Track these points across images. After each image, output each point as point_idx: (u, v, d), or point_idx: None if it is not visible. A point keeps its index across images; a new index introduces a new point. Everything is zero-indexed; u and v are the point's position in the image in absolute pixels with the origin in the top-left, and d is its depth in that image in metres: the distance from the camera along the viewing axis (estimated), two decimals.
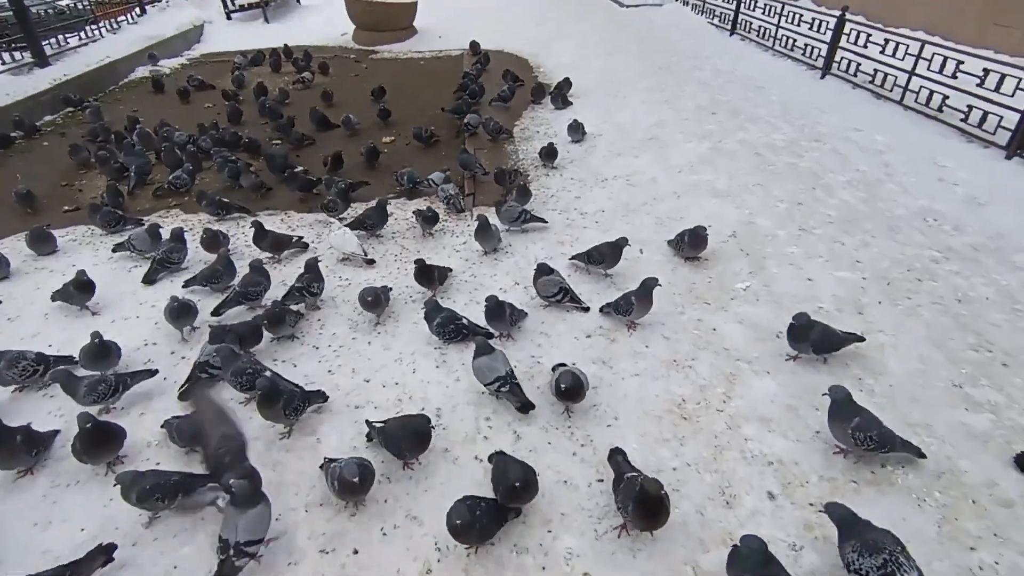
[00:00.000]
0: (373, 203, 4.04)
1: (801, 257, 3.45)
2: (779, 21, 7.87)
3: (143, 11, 9.87)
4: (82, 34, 8.41)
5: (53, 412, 2.62)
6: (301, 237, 3.89)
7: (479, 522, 1.85)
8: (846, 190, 4.23)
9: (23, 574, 1.85)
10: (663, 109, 6.01)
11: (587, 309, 3.11)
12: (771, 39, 8.04)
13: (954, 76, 5.13)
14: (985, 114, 4.79)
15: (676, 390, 2.55)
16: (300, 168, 4.75)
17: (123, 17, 9.33)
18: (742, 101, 6.15)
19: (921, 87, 5.48)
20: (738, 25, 8.91)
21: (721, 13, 9.46)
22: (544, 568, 1.89)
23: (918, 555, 1.71)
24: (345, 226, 3.79)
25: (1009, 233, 3.63)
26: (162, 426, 2.41)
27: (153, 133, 5.57)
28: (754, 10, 8.68)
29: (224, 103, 6.63)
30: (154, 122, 5.93)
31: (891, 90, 5.86)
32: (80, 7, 9.10)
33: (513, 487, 1.91)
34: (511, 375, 2.51)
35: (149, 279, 3.55)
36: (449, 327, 2.87)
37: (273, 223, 4.17)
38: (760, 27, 8.43)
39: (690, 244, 3.42)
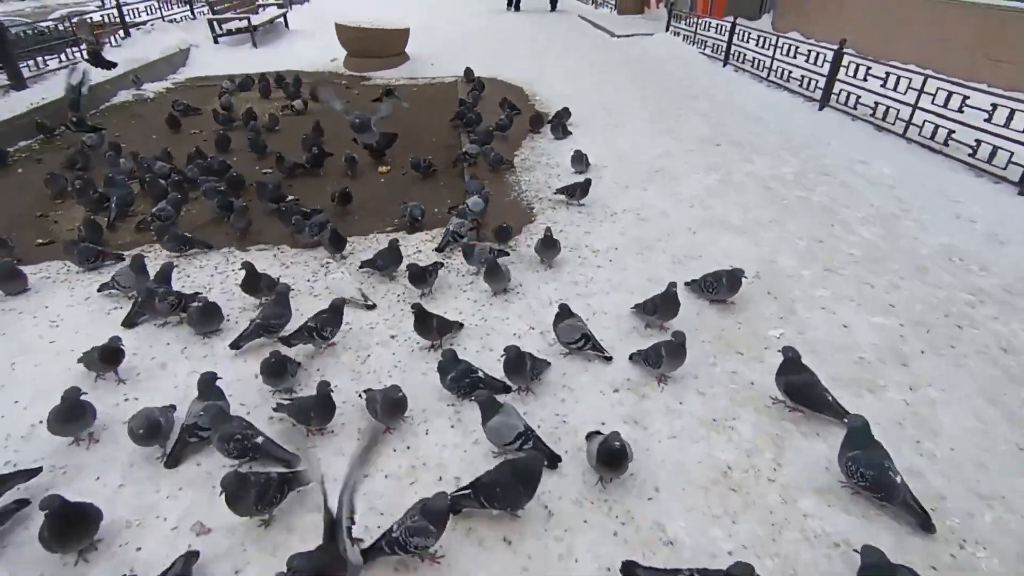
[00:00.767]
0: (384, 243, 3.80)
1: (831, 300, 3.27)
2: (774, 53, 7.89)
3: (127, 34, 9.62)
4: (63, 56, 8.12)
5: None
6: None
7: None
8: (864, 227, 4.10)
9: None
10: (666, 139, 5.90)
11: (610, 359, 2.88)
12: (765, 70, 8.05)
13: (960, 110, 5.08)
14: (995, 149, 4.73)
15: (719, 455, 2.32)
16: (292, 198, 4.50)
17: (106, 40, 9.06)
18: (744, 132, 6.07)
19: (925, 121, 5.43)
20: (731, 56, 8.94)
21: (713, 44, 9.49)
22: None
23: None
24: (351, 266, 3.54)
25: None
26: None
27: (133, 160, 5.30)
28: (747, 41, 8.71)
29: (216, 126, 6.40)
30: (139, 148, 5.66)
31: (893, 123, 5.82)
32: (61, 28, 8.83)
33: None
34: (530, 428, 2.29)
35: (129, 322, 3.25)
36: (464, 381, 2.62)
37: (266, 259, 3.90)
38: (754, 58, 8.46)
39: (728, 287, 3.18)
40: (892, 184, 4.77)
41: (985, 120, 4.82)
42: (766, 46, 8.12)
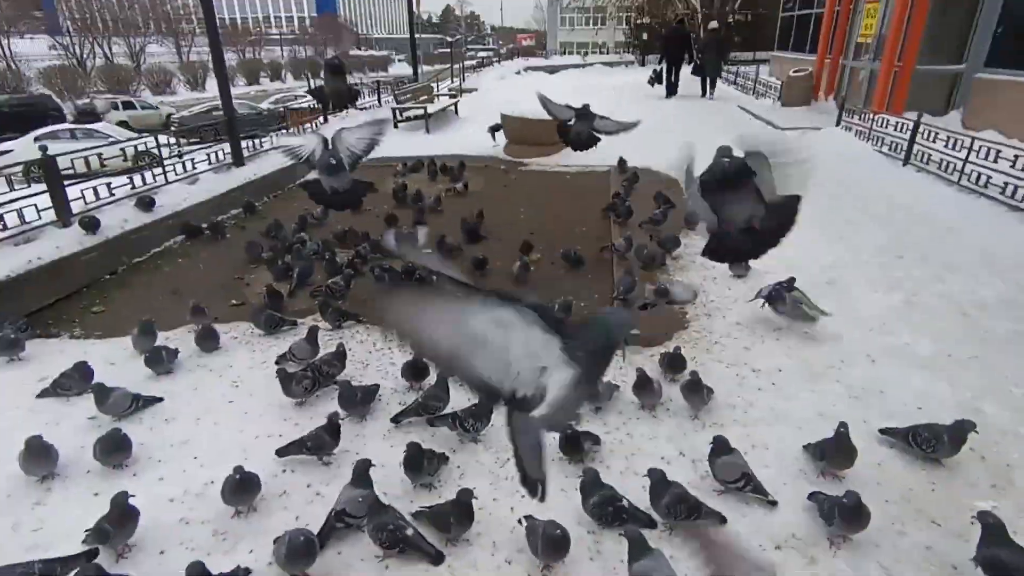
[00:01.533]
0: None
1: None
2: (967, 155, 7.10)
3: (326, 120, 11.12)
4: (274, 137, 9.53)
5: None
6: None
7: None
8: None
9: None
10: (837, 247, 5.45)
11: (775, 503, 2.55)
12: (956, 173, 7.25)
13: None
14: None
15: None
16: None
17: (309, 125, 10.53)
18: (931, 244, 5.42)
19: None
20: (912, 155, 8.20)
21: (891, 142, 8.80)
22: None
23: None
24: None
25: None
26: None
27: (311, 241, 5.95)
28: (934, 141, 7.96)
29: (390, 204, 7.09)
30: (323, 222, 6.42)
31: None
32: (277, 113, 10.44)
33: None
34: None
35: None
36: (608, 509, 2.45)
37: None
38: (941, 159, 7.67)
39: (951, 445, 2.67)
40: None
41: None
42: (957, 147, 7.34)
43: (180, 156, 7.64)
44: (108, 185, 6.02)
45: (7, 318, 4.08)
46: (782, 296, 4.01)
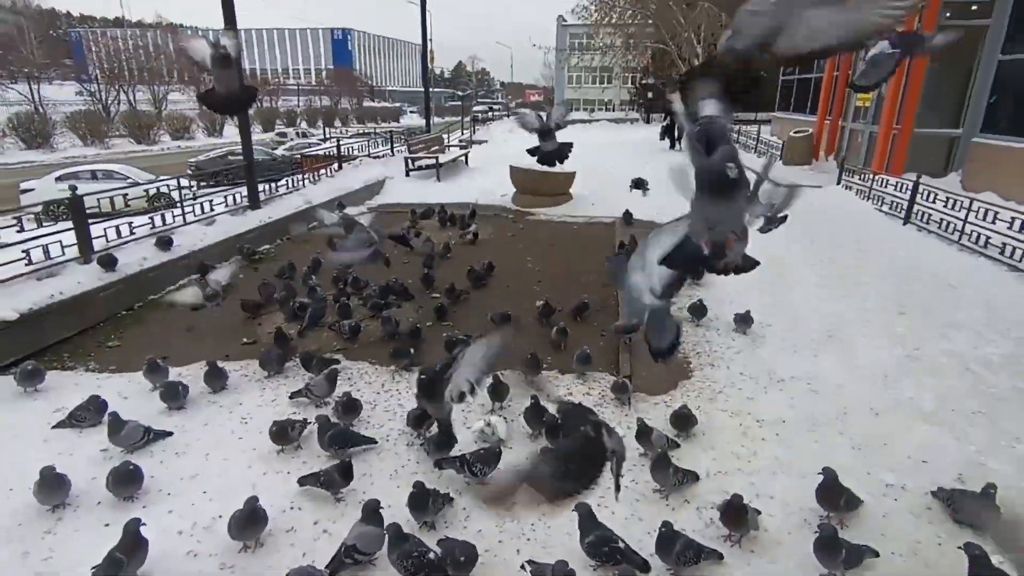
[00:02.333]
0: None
1: None
2: (966, 216, 7.28)
3: (340, 167, 11.47)
4: (290, 182, 9.83)
5: None
6: None
7: None
8: None
9: None
10: (840, 301, 5.53)
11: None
12: (956, 232, 7.41)
13: None
14: None
15: None
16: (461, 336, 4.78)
17: (324, 171, 10.86)
18: (934, 301, 5.51)
19: None
20: (913, 214, 8.39)
21: (892, 201, 9.02)
22: None
23: None
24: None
25: None
26: None
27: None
28: (933, 201, 8.15)
29: (399, 250, 7.21)
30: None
31: None
32: (293, 159, 10.78)
33: None
34: None
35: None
36: (603, 549, 2.47)
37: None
38: (941, 219, 7.84)
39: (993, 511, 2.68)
40: None
41: None
42: (957, 208, 7.53)
43: (195, 198, 7.84)
44: (130, 224, 6.21)
45: None
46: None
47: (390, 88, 79.77)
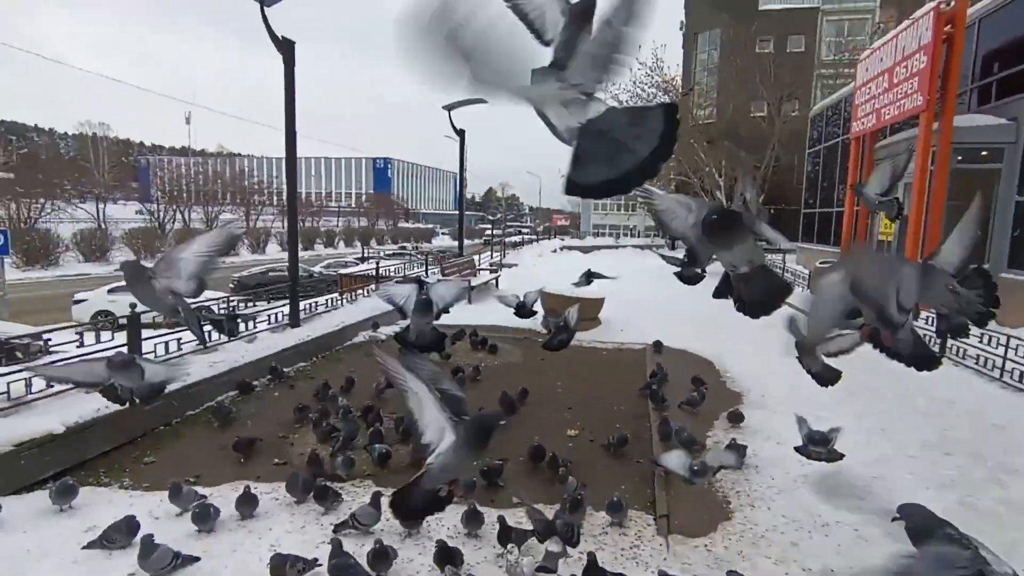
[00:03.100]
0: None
1: None
2: (1006, 352, 7.16)
3: (377, 288, 11.96)
4: (328, 301, 10.25)
5: None
6: None
7: None
8: None
9: None
10: (880, 441, 5.37)
11: None
12: (996, 369, 7.25)
13: None
14: None
15: None
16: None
17: (361, 291, 11.33)
18: (983, 443, 5.30)
19: None
20: (947, 349, 8.27)
21: (924, 334, 8.92)
22: None
23: None
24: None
25: None
26: None
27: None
28: (967, 336, 8.06)
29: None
30: (369, 383, 6.65)
31: None
32: (330, 277, 11.29)
33: None
34: None
35: None
36: None
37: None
38: (978, 354, 7.71)
39: None
40: None
41: None
42: (994, 344, 7.43)
43: (235, 318, 8.12)
44: (178, 341, 6.50)
45: None
46: None
47: (424, 211, 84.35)
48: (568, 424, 5.95)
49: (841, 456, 3.75)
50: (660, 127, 1.62)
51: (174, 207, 41.37)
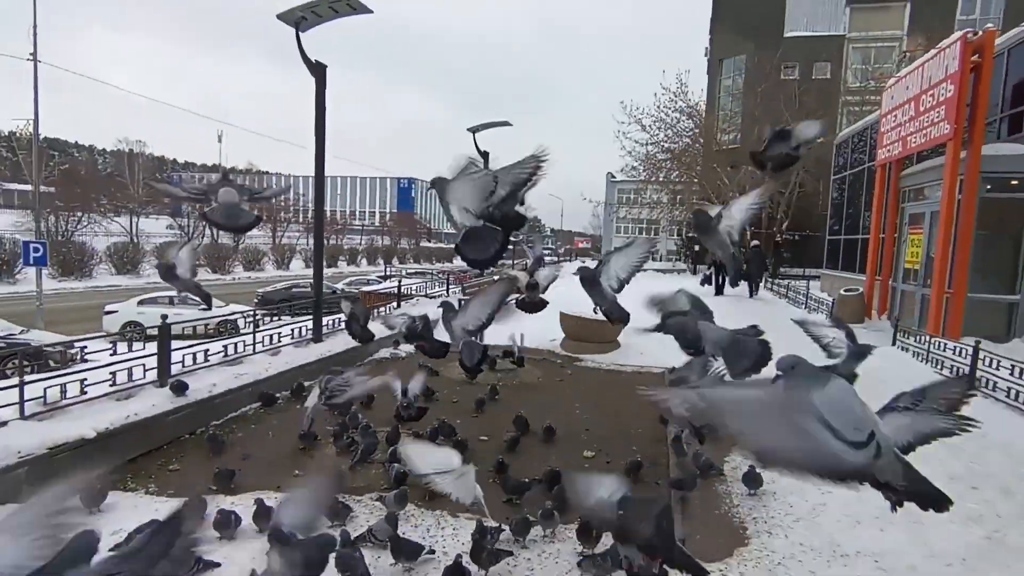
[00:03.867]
0: None
1: None
2: None
3: (399, 305, 12.13)
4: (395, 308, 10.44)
5: None
6: None
7: None
8: None
9: None
10: None
11: None
12: None
13: None
14: None
15: None
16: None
17: (383, 308, 11.50)
18: (1011, 477, 5.17)
19: None
20: (976, 380, 8.08)
21: (952, 365, 8.75)
22: None
23: None
24: None
25: None
26: None
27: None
28: (997, 368, 7.88)
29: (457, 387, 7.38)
30: (388, 399, 6.71)
31: None
32: (353, 294, 11.51)
33: None
34: None
35: None
36: None
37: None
38: (1009, 387, 7.52)
39: None
40: None
41: None
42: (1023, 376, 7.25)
43: (256, 328, 8.26)
44: (205, 352, 6.68)
45: None
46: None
47: (447, 232, 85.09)
48: (585, 445, 5.96)
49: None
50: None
51: (203, 223, 42.43)
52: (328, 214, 73.85)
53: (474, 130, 16.32)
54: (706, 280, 19.62)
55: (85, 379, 5.22)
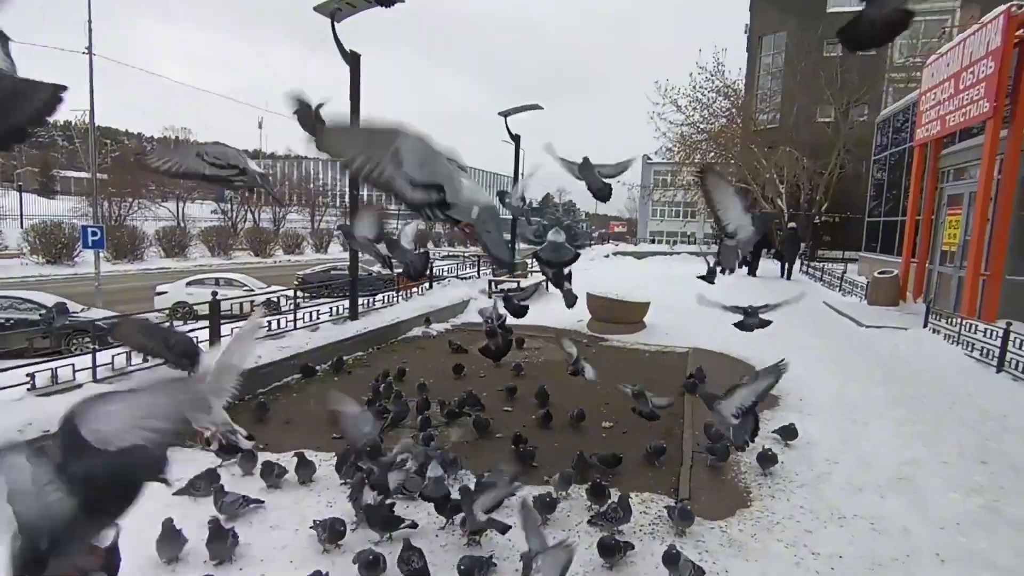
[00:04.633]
0: None
1: None
2: None
3: (431, 286, 12.57)
4: (385, 298, 10.89)
5: None
6: None
7: None
8: None
9: None
10: (916, 445, 5.40)
11: None
12: None
13: None
14: None
15: None
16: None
17: (415, 289, 11.95)
18: (1023, 456, 5.25)
19: None
20: (1006, 363, 8.03)
21: (983, 347, 8.68)
22: None
23: None
24: None
25: None
26: None
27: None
28: None
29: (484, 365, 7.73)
30: (421, 374, 7.14)
31: None
32: (389, 276, 11.97)
33: None
34: None
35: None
36: None
37: None
38: None
39: None
40: None
41: None
42: None
43: (297, 307, 8.75)
44: None
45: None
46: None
47: None
48: (604, 418, 6.25)
49: (769, 322, 5.02)
50: None
51: (245, 207, 43.83)
52: (360, 199, 75.27)
53: (505, 114, 16.58)
54: (744, 262, 19.73)
55: None
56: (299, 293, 10.09)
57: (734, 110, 30.50)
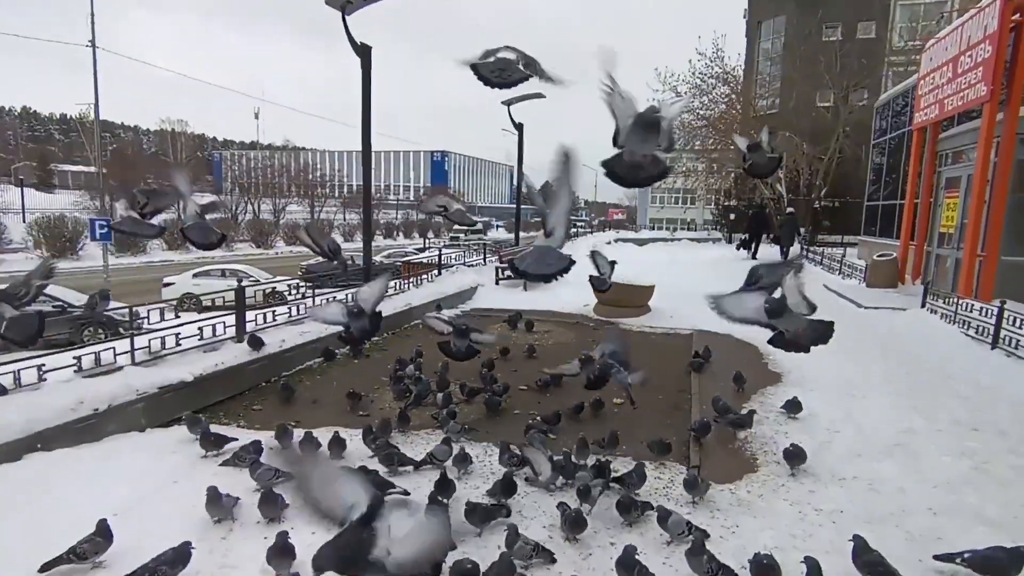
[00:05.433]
0: None
1: None
2: None
3: (439, 273, 12.83)
4: (396, 284, 11.16)
5: None
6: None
7: None
8: None
9: None
10: (912, 416, 5.70)
11: None
12: None
13: None
14: None
15: None
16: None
17: (425, 276, 12.22)
18: (1012, 423, 5.55)
19: None
20: (1000, 340, 8.32)
21: (978, 325, 8.97)
22: None
23: None
24: None
25: None
26: None
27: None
28: (1021, 327, 8.11)
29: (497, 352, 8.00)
30: (436, 356, 7.42)
31: None
32: (394, 265, 12.23)
33: None
34: None
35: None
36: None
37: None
38: None
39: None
40: None
41: None
42: None
43: (303, 297, 9.00)
44: (273, 312, 7.49)
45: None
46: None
47: (480, 205, 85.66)
48: (615, 394, 6.54)
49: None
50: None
51: (244, 199, 43.93)
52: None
53: (508, 103, 16.76)
54: (742, 245, 20.32)
55: (179, 333, 6.06)
56: (303, 284, 10.34)
57: (733, 96, 30.57)
